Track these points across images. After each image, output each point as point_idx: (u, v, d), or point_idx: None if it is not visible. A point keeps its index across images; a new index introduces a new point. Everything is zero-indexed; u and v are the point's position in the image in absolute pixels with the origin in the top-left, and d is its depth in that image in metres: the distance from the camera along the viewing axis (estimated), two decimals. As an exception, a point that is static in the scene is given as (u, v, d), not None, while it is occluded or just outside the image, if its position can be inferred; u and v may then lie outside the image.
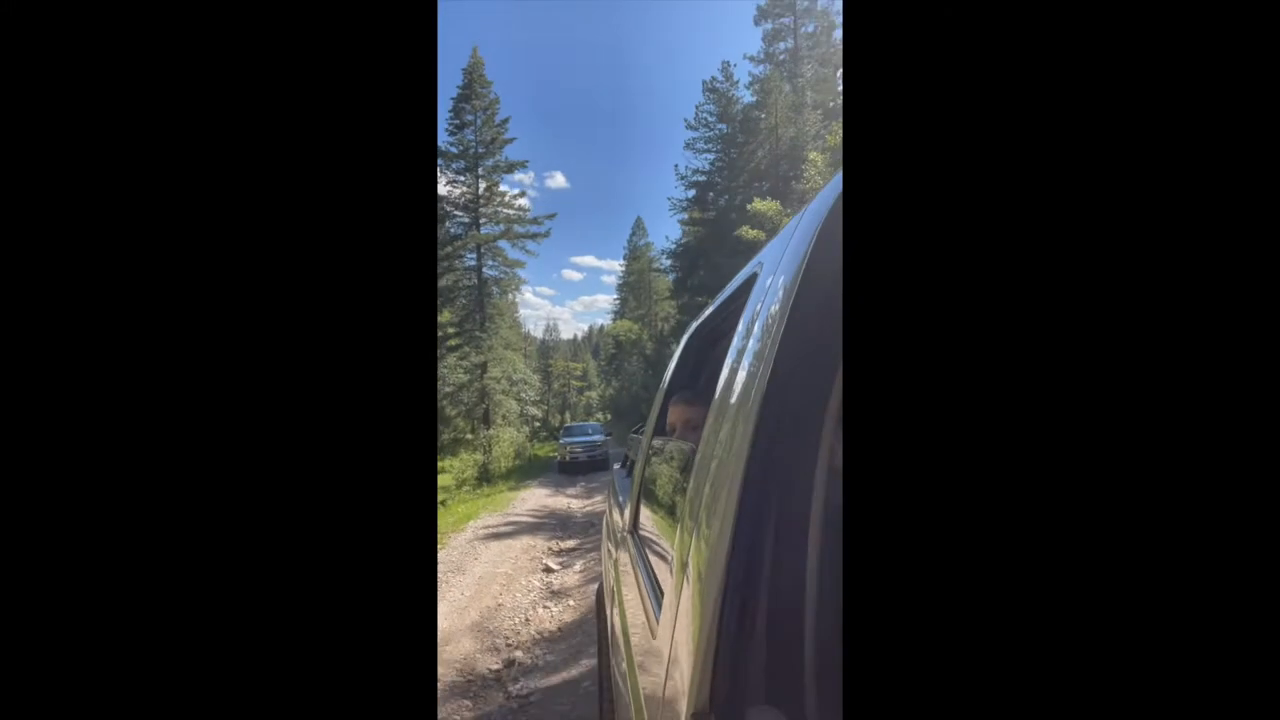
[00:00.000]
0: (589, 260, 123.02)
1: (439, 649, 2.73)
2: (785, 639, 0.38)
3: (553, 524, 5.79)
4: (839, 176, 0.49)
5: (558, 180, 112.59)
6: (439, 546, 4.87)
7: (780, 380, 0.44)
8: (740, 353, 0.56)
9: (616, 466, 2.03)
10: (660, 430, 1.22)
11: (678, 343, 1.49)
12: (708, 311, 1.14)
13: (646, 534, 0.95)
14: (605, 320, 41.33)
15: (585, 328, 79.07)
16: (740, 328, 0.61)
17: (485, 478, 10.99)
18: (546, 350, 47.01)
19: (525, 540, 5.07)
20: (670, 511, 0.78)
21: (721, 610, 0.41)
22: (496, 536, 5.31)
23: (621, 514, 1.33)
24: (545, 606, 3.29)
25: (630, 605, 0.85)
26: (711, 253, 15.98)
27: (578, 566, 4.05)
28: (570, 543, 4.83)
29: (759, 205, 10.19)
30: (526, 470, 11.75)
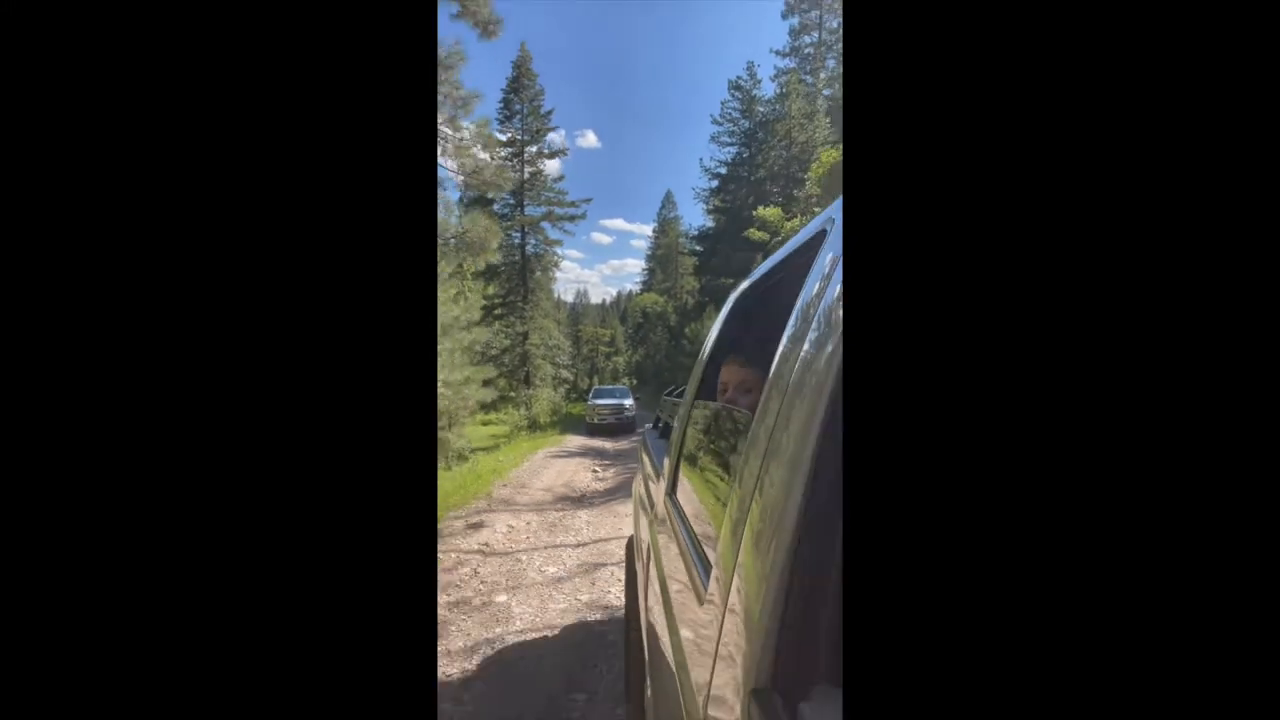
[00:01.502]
0: (618, 224, 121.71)
1: (550, 485, 5.67)
2: None
3: (594, 454, 8.86)
4: None
5: (589, 139, 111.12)
6: (524, 462, 7.88)
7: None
8: (799, 334, 0.52)
9: (647, 426, 2.05)
10: (705, 393, 1.17)
11: (701, 316, 1.99)
12: (760, 271, 1.07)
13: (688, 500, 0.91)
14: (633, 285, 42.12)
15: (614, 292, 79.19)
16: (805, 293, 0.56)
17: (535, 426, 14.00)
18: (576, 315, 48.86)
19: (578, 459, 8.16)
20: (717, 479, 0.75)
21: (787, 590, 0.40)
22: (558, 457, 8.42)
23: (656, 475, 1.32)
24: (595, 483, 6.34)
25: (672, 570, 0.83)
26: (726, 242, 17.78)
27: (612, 470, 7.09)
28: (606, 461, 7.87)
29: (762, 212, 11.13)
30: (565, 423, 14.74)
